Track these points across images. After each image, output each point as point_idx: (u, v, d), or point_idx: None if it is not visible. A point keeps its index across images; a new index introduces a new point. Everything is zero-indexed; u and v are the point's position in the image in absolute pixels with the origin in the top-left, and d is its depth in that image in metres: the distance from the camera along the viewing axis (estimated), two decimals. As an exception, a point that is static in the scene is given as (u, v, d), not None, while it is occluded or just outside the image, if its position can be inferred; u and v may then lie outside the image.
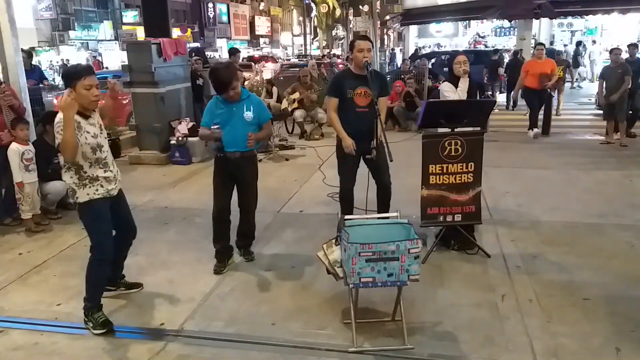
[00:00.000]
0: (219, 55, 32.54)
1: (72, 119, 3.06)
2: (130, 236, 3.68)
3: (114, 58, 27.82)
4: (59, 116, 3.14)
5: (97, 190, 3.30)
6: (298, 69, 13.90)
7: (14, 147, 5.06)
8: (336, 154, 4.57)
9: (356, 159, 4.47)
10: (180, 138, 7.89)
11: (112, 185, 3.40)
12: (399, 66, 19.99)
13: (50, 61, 25.85)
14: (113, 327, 3.34)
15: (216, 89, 4.01)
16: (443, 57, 17.81)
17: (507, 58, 16.66)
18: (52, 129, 5.35)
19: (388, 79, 13.90)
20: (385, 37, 46.82)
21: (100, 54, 29.48)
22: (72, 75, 3.20)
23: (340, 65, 19.18)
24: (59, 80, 19.19)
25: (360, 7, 39.90)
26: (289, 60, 32.25)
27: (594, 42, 20.99)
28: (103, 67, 23.78)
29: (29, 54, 9.38)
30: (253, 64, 19.87)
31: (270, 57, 30.44)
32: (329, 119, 4.56)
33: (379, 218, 3.49)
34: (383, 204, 4.54)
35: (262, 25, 51.76)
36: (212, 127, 3.94)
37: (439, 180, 4.26)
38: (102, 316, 3.36)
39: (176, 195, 6.34)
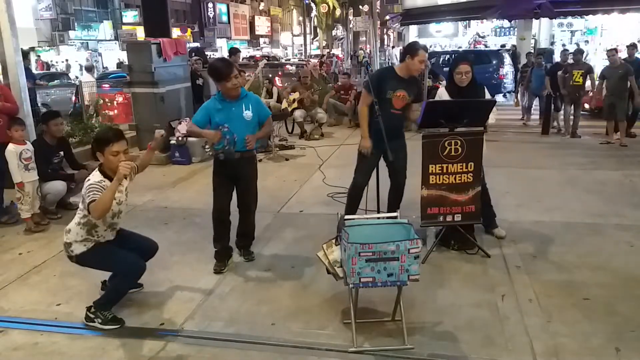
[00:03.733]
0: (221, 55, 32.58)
1: (119, 184, 3.18)
2: (149, 255, 3.67)
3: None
4: (98, 177, 3.23)
5: (92, 243, 3.37)
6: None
7: (11, 147, 5.02)
8: (359, 151, 4.53)
9: (377, 157, 4.43)
10: (180, 138, 7.88)
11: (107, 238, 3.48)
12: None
13: (66, 59, 25.97)
14: (124, 323, 3.37)
15: (216, 77, 3.96)
16: (443, 56, 17.80)
17: (507, 58, 16.61)
18: (48, 129, 5.39)
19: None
20: (385, 37, 46.84)
21: (97, 55, 29.43)
22: (101, 141, 3.27)
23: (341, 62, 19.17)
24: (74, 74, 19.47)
25: (360, 7, 39.86)
26: (289, 59, 32.37)
27: (587, 42, 21.10)
28: (43, 69, 23.30)
29: (24, 54, 9.38)
30: (254, 63, 20.02)
31: (272, 57, 30.64)
32: (359, 111, 4.45)
33: (378, 218, 3.49)
34: (393, 204, 4.50)
35: (262, 25, 51.78)
36: (222, 128, 3.90)
37: (439, 180, 4.26)
38: (110, 313, 3.39)
39: (176, 195, 6.33)
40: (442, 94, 4.57)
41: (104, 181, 3.23)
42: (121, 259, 3.41)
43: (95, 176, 3.27)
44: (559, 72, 9.58)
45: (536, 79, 10.60)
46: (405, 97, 4.33)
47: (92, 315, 3.37)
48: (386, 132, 4.13)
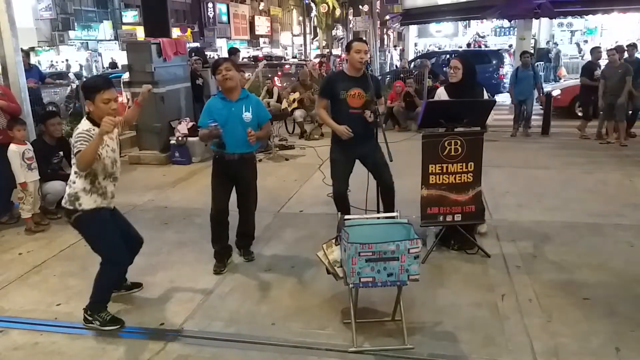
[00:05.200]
0: (219, 55, 32.59)
1: (104, 137, 3.10)
2: (136, 246, 3.64)
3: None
4: (86, 125, 3.18)
5: (102, 200, 3.31)
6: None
7: (13, 147, 5.03)
8: (330, 157, 4.53)
9: (350, 162, 4.44)
10: (180, 138, 7.89)
11: (113, 200, 3.44)
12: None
13: (66, 59, 25.92)
14: (124, 323, 3.36)
15: (211, 71, 4.08)
16: (443, 56, 17.80)
17: (507, 58, 16.62)
18: (46, 129, 5.39)
19: (388, 79, 13.97)
20: (385, 37, 46.80)
21: (97, 55, 29.43)
22: (90, 88, 3.22)
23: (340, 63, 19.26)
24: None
25: (360, 7, 39.85)
26: (287, 60, 32.48)
27: (585, 42, 21.19)
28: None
29: (26, 53, 9.40)
30: (254, 63, 20.17)
31: (274, 57, 30.80)
32: (318, 116, 4.59)
33: (378, 218, 3.49)
34: (388, 203, 4.47)
35: (262, 25, 51.75)
36: (209, 125, 3.91)
37: (439, 180, 4.26)
38: (108, 314, 3.38)
39: (176, 195, 6.33)
40: (441, 94, 4.57)
41: (93, 129, 3.15)
42: (115, 244, 3.36)
43: (84, 124, 3.19)
44: (600, 79, 8.67)
45: (521, 81, 9.52)
46: (362, 95, 4.24)
47: (89, 318, 3.37)
48: (353, 133, 4.16)
